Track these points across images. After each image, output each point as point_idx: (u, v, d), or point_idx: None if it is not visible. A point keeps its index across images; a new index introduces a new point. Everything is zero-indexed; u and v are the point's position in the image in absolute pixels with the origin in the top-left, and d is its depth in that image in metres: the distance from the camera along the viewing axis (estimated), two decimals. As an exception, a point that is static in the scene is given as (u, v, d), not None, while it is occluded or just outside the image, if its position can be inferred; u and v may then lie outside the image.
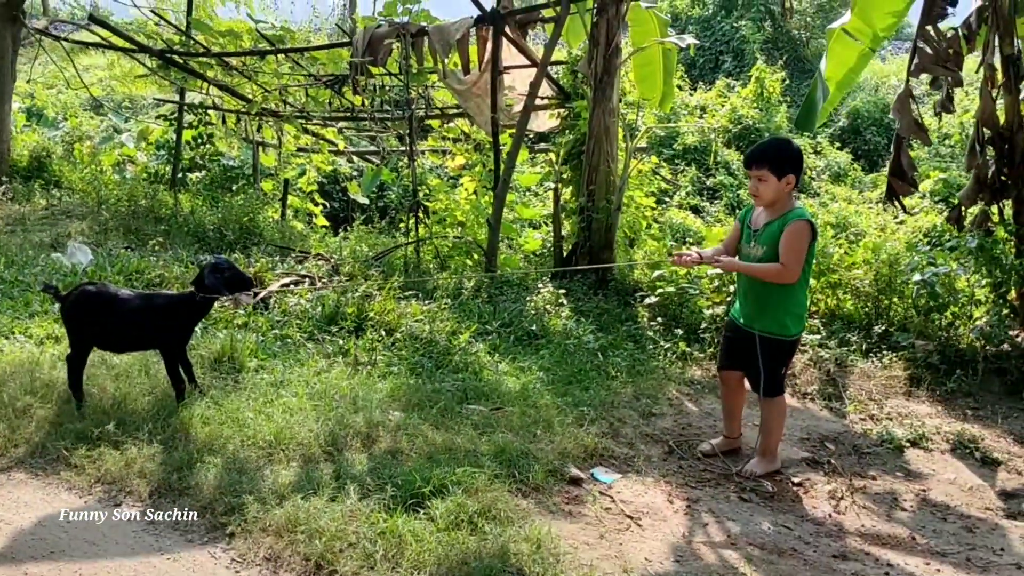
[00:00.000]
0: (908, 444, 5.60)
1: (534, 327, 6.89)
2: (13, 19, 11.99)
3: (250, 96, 11.60)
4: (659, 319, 7.27)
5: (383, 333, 6.43)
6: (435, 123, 12.16)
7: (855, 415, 6.01)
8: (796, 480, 5.03)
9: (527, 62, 9.54)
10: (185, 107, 12.57)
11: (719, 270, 6.71)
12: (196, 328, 5.56)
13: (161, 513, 4.06)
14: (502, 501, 4.15)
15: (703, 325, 7.02)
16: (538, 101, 9.91)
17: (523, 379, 5.91)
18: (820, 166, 16.35)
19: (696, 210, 14.29)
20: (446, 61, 9.13)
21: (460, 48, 9.07)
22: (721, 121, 16.82)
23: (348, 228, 12.15)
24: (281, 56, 10.61)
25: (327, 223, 13.07)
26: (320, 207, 13.21)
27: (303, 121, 12.08)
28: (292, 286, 7.12)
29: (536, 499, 4.41)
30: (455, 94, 9.77)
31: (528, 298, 7.56)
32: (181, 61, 11.10)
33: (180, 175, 12.06)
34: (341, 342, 6.18)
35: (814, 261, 5.16)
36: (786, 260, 4.66)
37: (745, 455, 5.27)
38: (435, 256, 9.00)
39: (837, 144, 17.24)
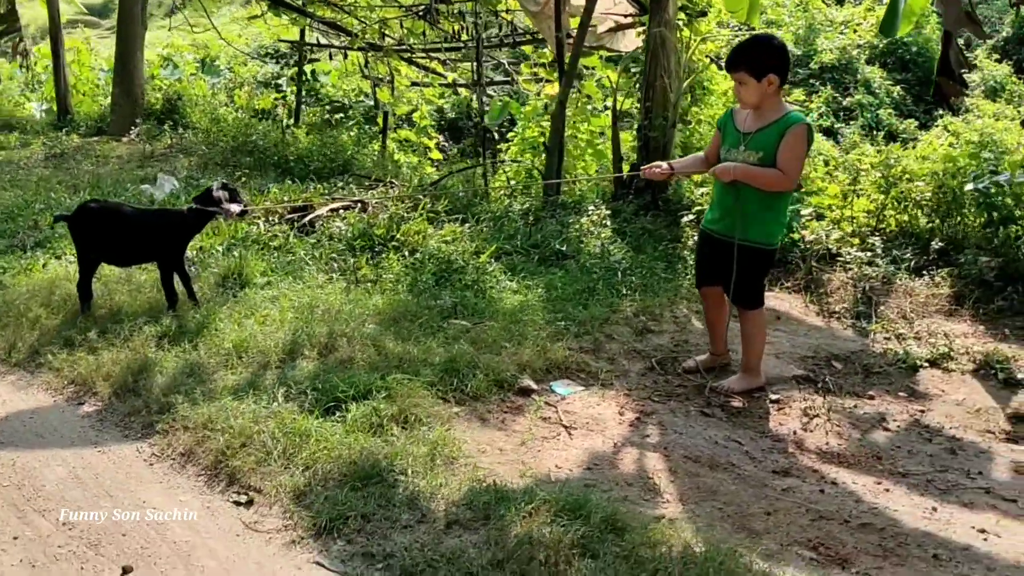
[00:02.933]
0: (926, 364, 5.19)
1: (565, 248, 6.80)
2: (140, -31, 12.80)
3: (355, 32, 11.87)
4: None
5: (405, 253, 6.54)
6: (528, 49, 12.02)
7: (880, 334, 5.61)
8: (774, 398, 4.79)
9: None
10: (305, 47, 13.03)
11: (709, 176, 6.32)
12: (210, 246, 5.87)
13: (112, 412, 4.37)
14: (422, 407, 4.20)
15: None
16: (624, 20, 9.64)
17: (525, 296, 5.87)
18: (975, 80, 14.96)
19: (829, 132, 13.48)
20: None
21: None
22: (865, 36, 15.71)
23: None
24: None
25: (441, 156, 13.24)
26: (435, 140, 13.39)
27: (408, 53, 12.23)
28: (340, 211, 7.33)
29: (471, 407, 4.42)
30: (530, 16, 9.63)
31: (571, 220, 7.46)
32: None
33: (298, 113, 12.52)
34: (352, 260, 6.34)
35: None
36: (786, 166, 4.41)
37: (732, 372, 5.05)
38: (507, 182, 9.00)
39: (996, 56, 15.68)
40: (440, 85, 13.29)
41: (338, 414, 4.13)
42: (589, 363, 5.09)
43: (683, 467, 4.03)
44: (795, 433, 4.44)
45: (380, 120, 11.60)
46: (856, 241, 6.51)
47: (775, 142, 4.44)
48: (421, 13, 10.92)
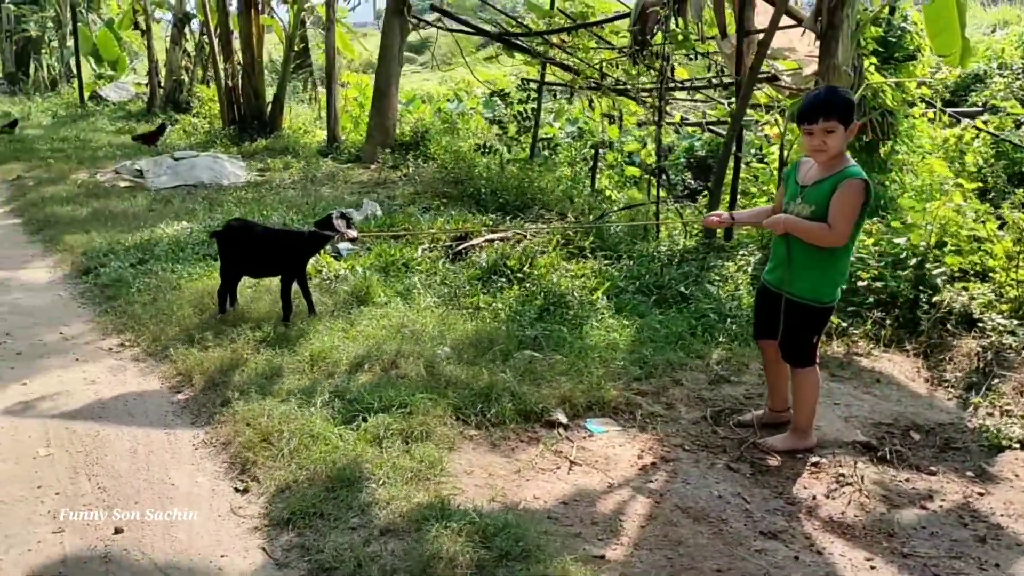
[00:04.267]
0: (1016, 445, 4.73)
1: (688, 290, 6.79)
2: (401, 12, 14.05)
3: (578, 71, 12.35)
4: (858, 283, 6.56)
5: (527, 285, 6.84)
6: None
7: (984, 408, 5.16)
8: (815, 460, 4.59)
9: (792, 22, 9.04)
10: (545, 86, 13.69)
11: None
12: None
13: (195, 402, 5.08)
14: (430, 426, 4.51)
15: (871, 299, 6.35)
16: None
17: (618, 335, 5.97)
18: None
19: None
20: (701, 25, 9.06)
21: (716, 10, 8.95)
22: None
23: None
24: (588, 31, 11.21)
25: (666, 193, 13.33)
26: (655, 176, 13.50)
27: (630, 92, 12.51)
28: (483, 243, 7.79)
29: (488, 432, 4.66)
30: (725, 60, 9.60)
31: (717, 263, 7.40)
32: (517, 42, 12.23)
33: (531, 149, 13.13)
34: (467, 288, 6.74)
35: (865, 224, 4.63)
36: (834, 221, 4.31)
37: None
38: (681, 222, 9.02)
39: None
40: (667, 124, 13.41)
41: (355, 423, 4.53)
42: (642, 405, 5.13)
43: (666, 516, 4.03)
44: (814, 498, 4.26)
45: (591, 156, 11.93)
46: (1006, 307, 5.97)
47: (828, 195, 4.32)
48: (631, 54, 11.17)
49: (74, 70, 24.52)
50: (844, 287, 4.67)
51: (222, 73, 17.21)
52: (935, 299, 5.98)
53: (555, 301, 6.48)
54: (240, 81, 17.22)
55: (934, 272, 6.11)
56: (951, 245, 6.44)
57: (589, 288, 6.78)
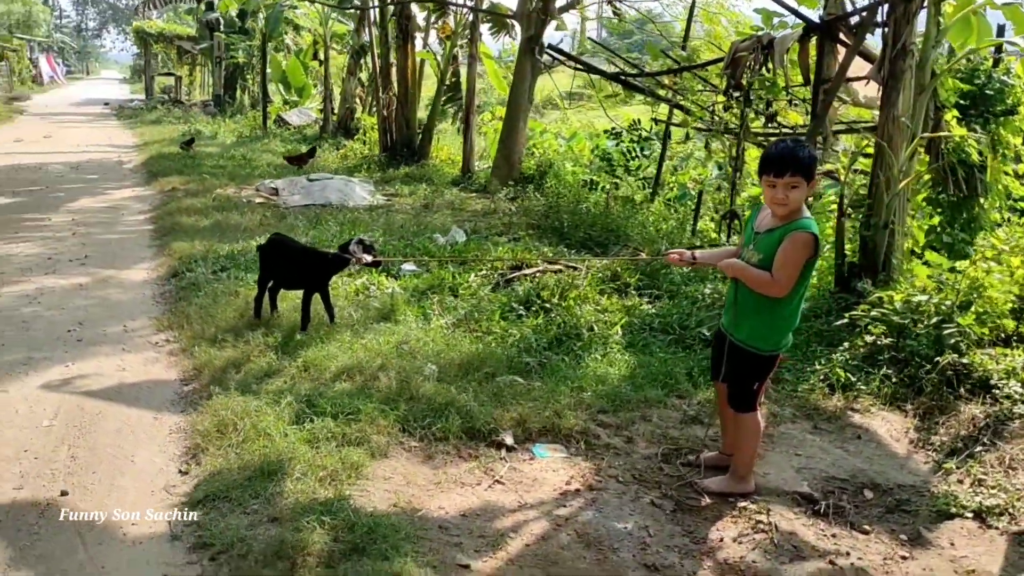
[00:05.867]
0: (969, 515, 4.54)
1: (710, 333, 6.78)
2: (533, 51, 14.56)
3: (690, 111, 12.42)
4: (878, 342, 6.37)
5: (551, 316, 7.04)
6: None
7: (955, 475, 4.95)
8: (743, 505, 4.59)
9: (865, 71, 8.82)
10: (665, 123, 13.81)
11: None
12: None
13: (196, 393, 5.63)
14: (371, 435, 4.85)
15: (883, 355, 6.16)
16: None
17: (616, 370, 6.09)
18: None
19: None
20: (784, 72, 9.02)
21: (800, 58, 8.89)
22: None
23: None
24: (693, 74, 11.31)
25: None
26: (726, 219, 13.26)
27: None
28: (536, 273, 8.06)
29: (428, 445, 4.93)
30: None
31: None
32: (634, 82, 12.47)
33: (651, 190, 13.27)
34: (488, 312, 7.03)
35: (812, 277, 4.60)
36: (776, 272, 4.36)
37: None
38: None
39: None
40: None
41: (306, 424, 4.92)
42: (600, 435, 5.25)
43: (558, 540, 4.16)
44: (720, 540, 4.28)
45: (694, 198, 11.94)
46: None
47: (776, 245, 4.36)
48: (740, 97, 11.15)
49: (268, 95, 26.61)
50: (788, 340, 4.63)
51: (381, 103, 18.30)
52: (937, 360, 5.74)
53: (569, 332, 6.65)
54: (394, 111, 18.22)
55: (945, 333, 5.86)
56: (977, 307, 6.15)
57: (610, 323, 6.90)
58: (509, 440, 5.06)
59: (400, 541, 3.86)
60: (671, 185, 13.49)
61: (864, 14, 8.15)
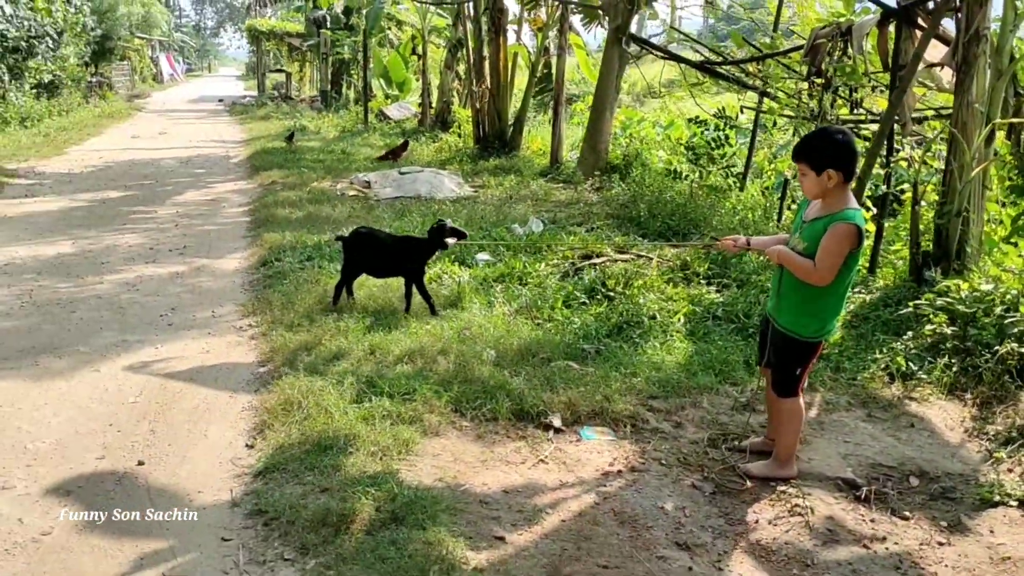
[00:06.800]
0: (1014, 503, 4.53)
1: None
2: (620, 41, 14.61)
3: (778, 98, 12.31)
4: (942, 331, 6.31)
5: (614, 304, 7.17)
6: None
7: (1006, 464, 4.92)
8: (783, 489, 4.67)
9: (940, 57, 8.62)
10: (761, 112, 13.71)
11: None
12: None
13: (270, 374, 5.99)
14: (424, 414, 5.11)
15: (946, 344, 6.09)
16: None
17: (673, 357, 6.21)
18: None
19: None
20: (864, 58, 8.92)
21: (879, 44, 8.76)
22: None
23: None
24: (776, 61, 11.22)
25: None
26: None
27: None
28: (606, 261, 8.20)
29: (479, 425, 5.16)
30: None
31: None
32: (720, 71, 12.43)
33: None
34: (549, 301, 7.21)
35: (857, 268, 4.64)
36: (819, 261, 4.44)
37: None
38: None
39: None
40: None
41: (364, 403, 5.21)
42: (649, 420, 5.39)
43: (594, 516, 4.33)
44: (756, 522, 4.39)
45: (779, 188, 11.84)
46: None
47: (820, 234, 4.41)
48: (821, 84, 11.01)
49: (371, 89, 27.32)
50: (831, 328, 4.67)
51: (474, 96, 18.63)
52: (997, 349, 5.67)
53: (630, 320, 6.78)
54: (487, 103, 18.52)
55: (1007, 322, 5.77)
56: (1045, 296, 6.04)
57: (673, 311, 6.99)
58: (557, 422, 5.24)
59: (439, 512, 4.09)
60: (768, 173, 13.37)
61: (941, -1, 8.00)
